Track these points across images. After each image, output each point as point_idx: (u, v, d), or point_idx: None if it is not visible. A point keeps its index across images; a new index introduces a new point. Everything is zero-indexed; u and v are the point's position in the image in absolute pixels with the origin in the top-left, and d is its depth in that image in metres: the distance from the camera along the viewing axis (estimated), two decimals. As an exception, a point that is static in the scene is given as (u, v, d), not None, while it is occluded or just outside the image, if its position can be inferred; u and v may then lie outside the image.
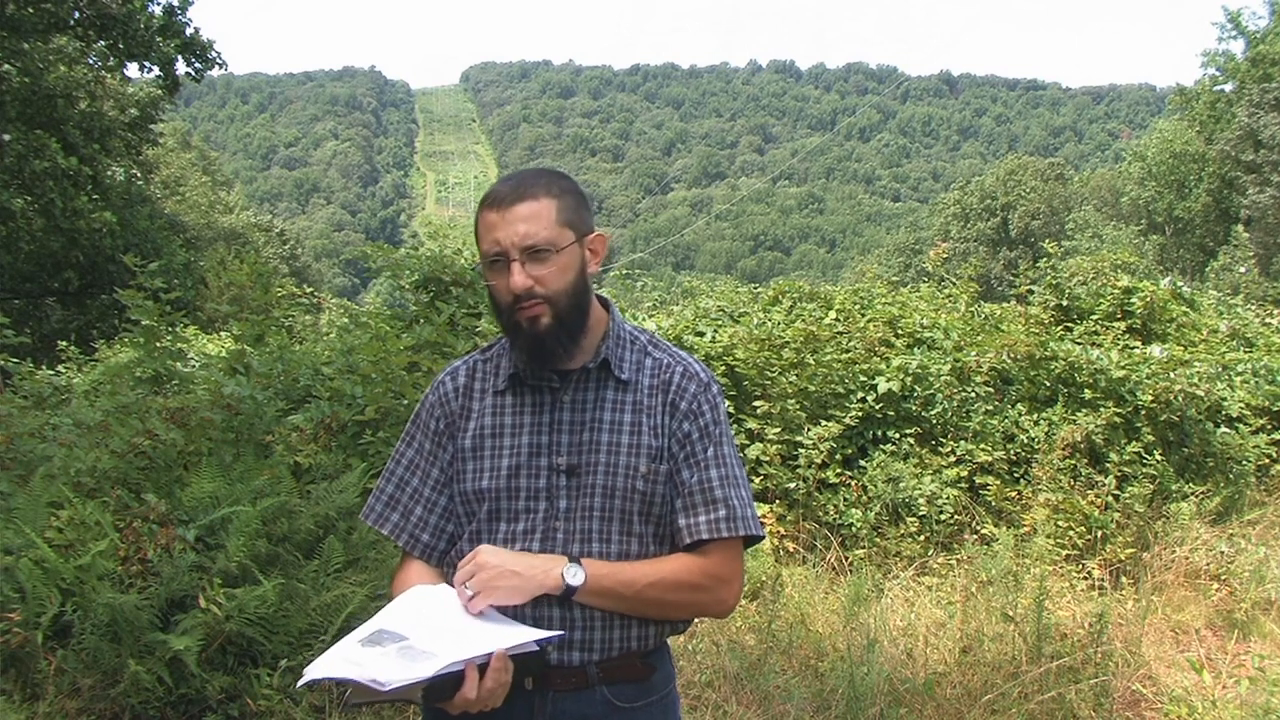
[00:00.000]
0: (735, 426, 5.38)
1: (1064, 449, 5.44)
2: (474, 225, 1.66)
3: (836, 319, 6.86)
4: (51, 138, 15.61)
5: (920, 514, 5.12)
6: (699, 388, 1.69)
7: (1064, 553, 4.97)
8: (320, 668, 1.46)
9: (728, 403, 5.35)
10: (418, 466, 1.72)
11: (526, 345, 1.61)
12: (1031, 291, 7.85)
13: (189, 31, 16.62)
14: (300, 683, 1.48)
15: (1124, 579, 4.98)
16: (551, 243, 1.58)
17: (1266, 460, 6.32)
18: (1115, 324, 7.46)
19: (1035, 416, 5.73)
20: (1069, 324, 7.41)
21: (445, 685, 1.44)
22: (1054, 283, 7.81)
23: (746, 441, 5.29)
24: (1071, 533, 5.05)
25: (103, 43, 16.39)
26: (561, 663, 1.60)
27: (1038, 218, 45.77)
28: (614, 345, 1.69)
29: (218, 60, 17.14)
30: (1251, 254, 28.25)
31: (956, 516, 5.18)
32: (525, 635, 1.52)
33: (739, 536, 1.66)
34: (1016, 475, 5.53)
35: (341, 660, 1.46)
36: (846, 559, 4.91)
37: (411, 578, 1.69)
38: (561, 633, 1.56)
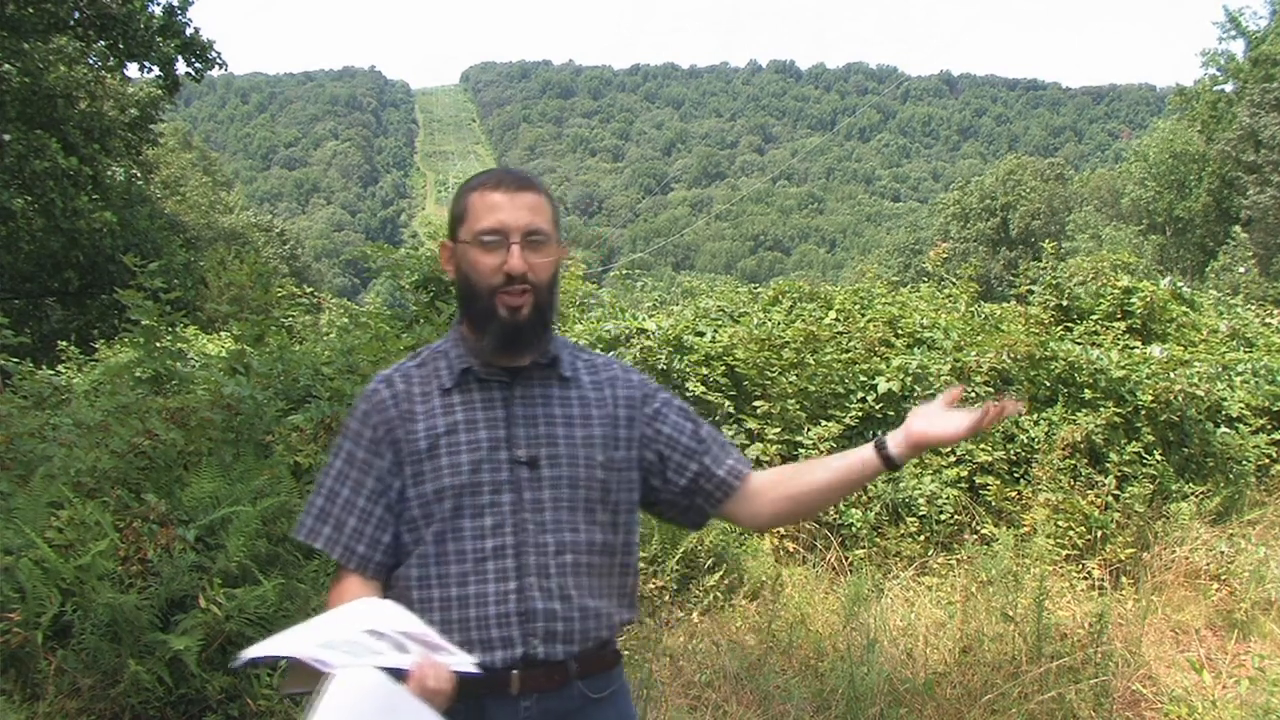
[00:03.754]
0: (735, 426, 5.39)
1: (1064, 449, 5.44)
2: (462, 204, 1.67)
3: (836, 319, 6.85)
4: (51, 138, 15.58)
5: (920, 514, 5.12)
6: (639, 377, 1.81)
7: (1064, 553, 4.97)
8: (264, 648, 1.42)
9: (728, 403, 5.37)
10: (347, 477, 1.68)
11: (501, 332, 1.63)
12: (1031, 291, 7.84)
13: (189, 31, 16.58)
14: (238, 663, 1.46)
15: (1124, 579, 4.98)
16: (548, 235, 1.64)
17: (1266, 460, 6.32)
18: (1115, 324, 7.45)
19: (1035, 416, 5.73)
20: (1069, 324, 7.41)
21: (396, 677, 1.40)
22: (1054, 283, 7.81)
23: (746, 441, 5.29)
24: (1071, 533, 5.05)
25: (103, 43, 16.35)
26: (548, 657, 1.62)
27: (1038, 218, 45.76)
28: (558, 346, 1.75)
29: (218, 60, 17.11)
30: (1251, 254, 28.25)
31: (956, 516, 5.18)
32: (465, 662, 1.50)
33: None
34: (1016, 475, 5.53)
35: (288, 643, 1.42)
36: (846, 559, 4.91)
37: (348, 594, 1.64)
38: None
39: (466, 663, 1.50)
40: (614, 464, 1.71)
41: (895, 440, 1.74)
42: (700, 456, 1.77)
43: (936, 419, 1.73)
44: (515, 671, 1.61)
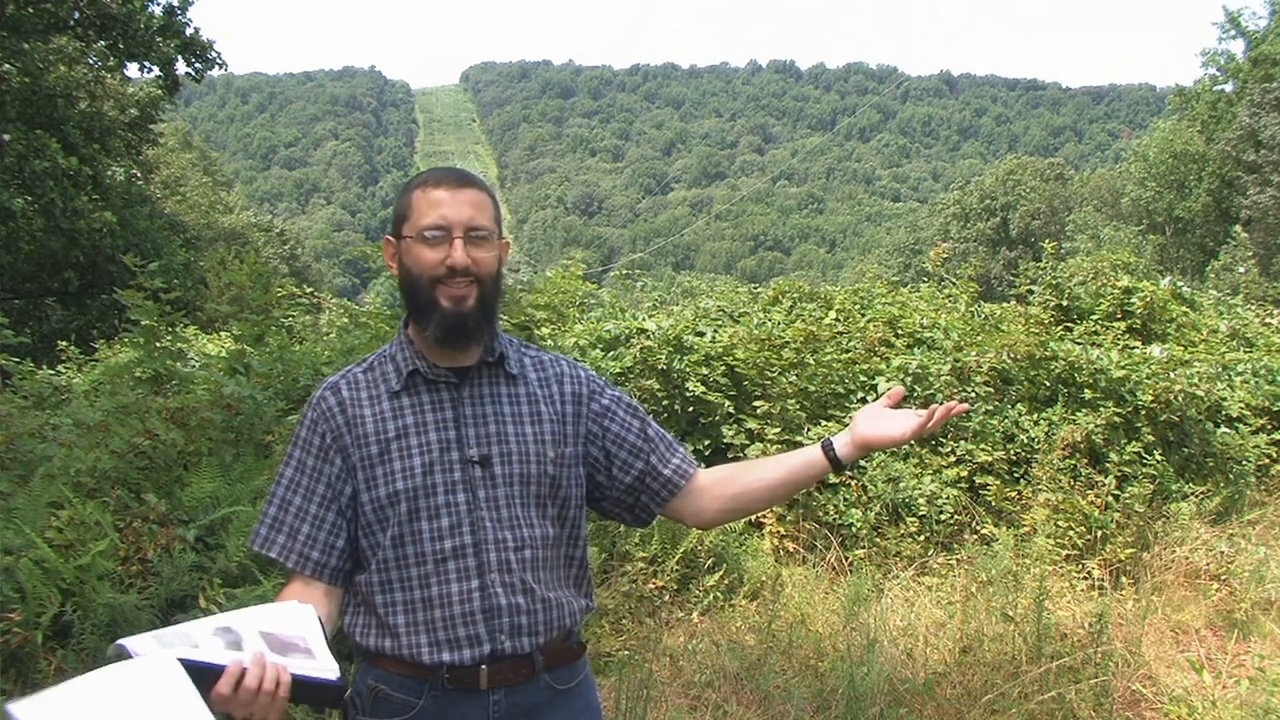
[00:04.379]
0: (735, 426, 5.38)
1: (1064, 449, 5.44)
2: (406, 201, 1.70)
3: (836, 319, 6.85)
4: (51, 138, 15.58)
5: (920, 514, 5.12)
6: (586, 373, 1.83)
7: (1064, 553, 4.97)
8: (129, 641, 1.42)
9: (728, 403, 5.37)
10: (299, 485, 1.69)
11: (445, 323, 1.65)
12: (1031, 291, 7.85)
13: (189, 31, 16.62)
14: (112, 651, 1.44)
15: (1124, 579, 4.98)
16: (490, 231, 1.68)
17: (1266, 460, 6.32)
18: (1115, 324, 7.46)
19: (1035, 416, 5.73)
20: (1069, 324, 7.41)
21: (206, 673, 1.38)
22: (1054, 283, 7.81)
23: (746, 441, 5.29)
24: (1071, 533, 5.05)
25: (103, 43, 16.38)
26: (515, 651, 1.65)
27: (1038, 218, 45.78)
28: (503, 343, 1.77)
29: (218, 60, 17.15)
30: (1251, 254, 28.25)
31: (956, 516, 5.18)
32: (320, 668, 1.48)
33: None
34: (1016, 475, 5.53)
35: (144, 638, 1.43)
36: (846, 559, 4.91)
37: (286, 599, 1.66)
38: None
39: (326, 670, 1.48)
40: (563, 460, 1.74)
41: (842, 442, 1.78)
42: (646, 455, 1.81)
43: (883, 420, 1.75)
44: (484, 666, 1.63)
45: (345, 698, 1.54)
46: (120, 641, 1.42)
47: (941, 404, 1.74)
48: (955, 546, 5.08)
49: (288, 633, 1.50)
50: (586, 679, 1.79)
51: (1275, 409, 6.82)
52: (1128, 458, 5.52)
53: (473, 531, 1.65)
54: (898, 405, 1.79)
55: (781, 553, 4.98)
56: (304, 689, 1.46)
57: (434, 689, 1.64)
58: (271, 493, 1.72)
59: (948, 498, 5.17)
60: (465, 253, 1.64)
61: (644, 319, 6.24)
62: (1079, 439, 5.48)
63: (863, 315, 6.93)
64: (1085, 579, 4.90)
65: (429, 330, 1.66)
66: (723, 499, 1.83)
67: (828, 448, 1.78)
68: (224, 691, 1.38)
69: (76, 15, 15.65)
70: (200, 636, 1.44)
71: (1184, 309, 8.23)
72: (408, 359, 1.71)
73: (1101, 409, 5.66)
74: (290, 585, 1.70)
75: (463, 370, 1.71)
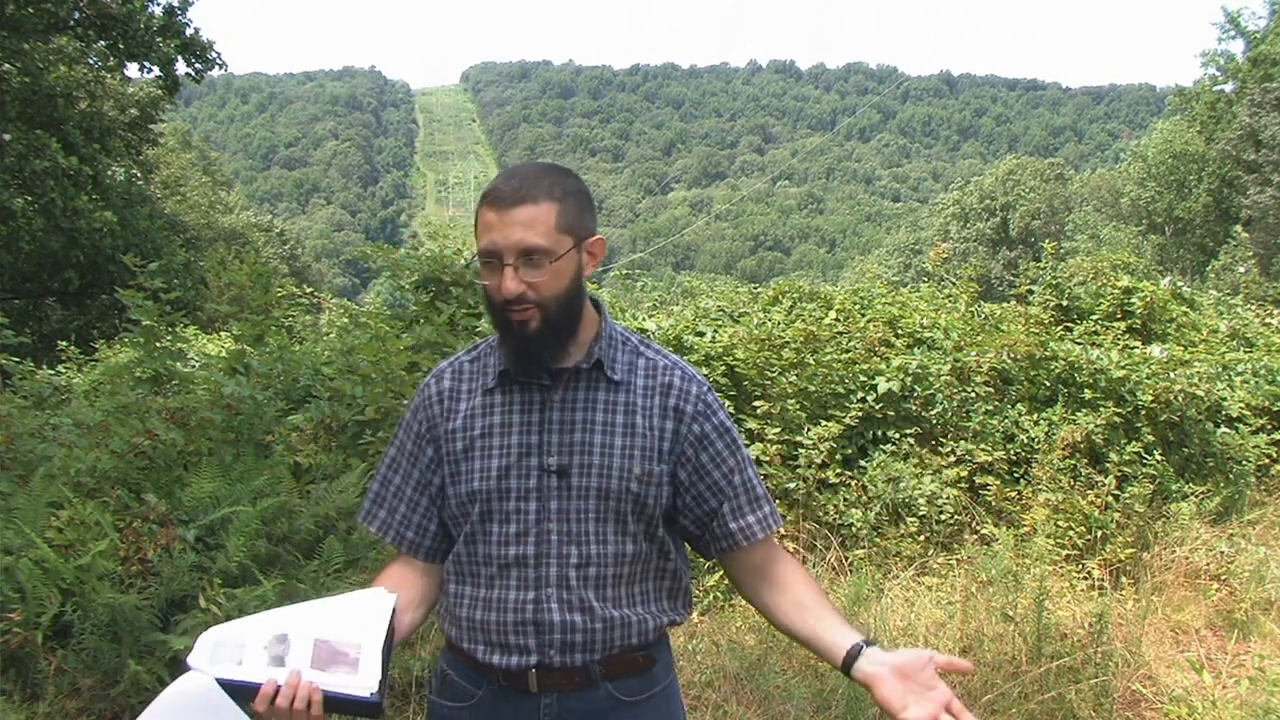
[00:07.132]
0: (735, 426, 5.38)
1: (1064, 449, 5.44)
2: (474, 219, 1.63)
3: (836, 319, 6.85)
4: (51, 138, 15.61)
5: (920, 514, 5.11)
6: (700, 390, 1.70)
7: (1064, 553, 4.96)
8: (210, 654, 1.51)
9: (728, 403, 5.37)
10: (399, 465, 1.73)
11: (514, 346, 1.60)
12: (1031, 291, 7.85)
13: (189, 32, 16.67)
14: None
15: (1124, 579, 4.98)
16: (547, 250, 1.54)
17: (1266, 460, 6.32)
18: (1115, 324, 7.46)
19: (1035, 416, 5.73)
20: (1069, 324, 7.41)
21: (244, 691, 1.47)
22: (1054, 283, 7.82)
23: (746, 441, 5.28)
24: (1071, 533, 5.05)
25: (103, 43, 16.42)
26: (565, 664, 1.62)
27: (1038, 218, 45.80)
28: (606, 346, 1.66)
29: (218, 60, 17.20)
30: (1251, 254, 28.25)
31: (956, 516, 5.18)
32: (357, 685, 1.51)
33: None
34: (1016, 475, 5.53)
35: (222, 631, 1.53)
36: (846, 559, 4.91)
37: (384, 578, 1.73)
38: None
39: (363, 687, 1.50)
40: (651, 478, 1.64)
41: (869, 661, 1.61)
42: (721, 499, 1.70)
43: (911, 688, 1.56)
44: (532, 671, 1.62)
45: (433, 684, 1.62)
46: (194, 646, 1.51)
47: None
48: (955, 546, 5.08)
49: (344, 640, 1.53)
50: (664, 692, 1.72)
51: (1275, 409, 6.82)
52: (1128, 458, 5.52)
53: (536, 543, 1.61)
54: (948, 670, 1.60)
55: (781, 553, 4.98)
56: (338, 704, 1.50)
57: (490, 683, 1.65)
58: (379, 468, 1.77)
59: (948, 498, 5.17)
60: (516, 280, 1.53)
61: (644, 319, 6.24)
62: (1079, 439, 5.48)
63: (863, 315, 6.93)
64: (1085, 579, 4.89)
65: (504, 354, 1.63)
66: (753, 592, 1.75)
67: (852, 656, 1.62)
68: (260, 709, 1.46)
69: (76, 15, 15.68)
70: (253, 647, 1.51)
71: (1184, 309, 8.24)
72: (501, 359, 1.67)
73: (1101, 409, 5.66)
74: (390, 566, 1.76)
75: (558, 372, 1.64)
